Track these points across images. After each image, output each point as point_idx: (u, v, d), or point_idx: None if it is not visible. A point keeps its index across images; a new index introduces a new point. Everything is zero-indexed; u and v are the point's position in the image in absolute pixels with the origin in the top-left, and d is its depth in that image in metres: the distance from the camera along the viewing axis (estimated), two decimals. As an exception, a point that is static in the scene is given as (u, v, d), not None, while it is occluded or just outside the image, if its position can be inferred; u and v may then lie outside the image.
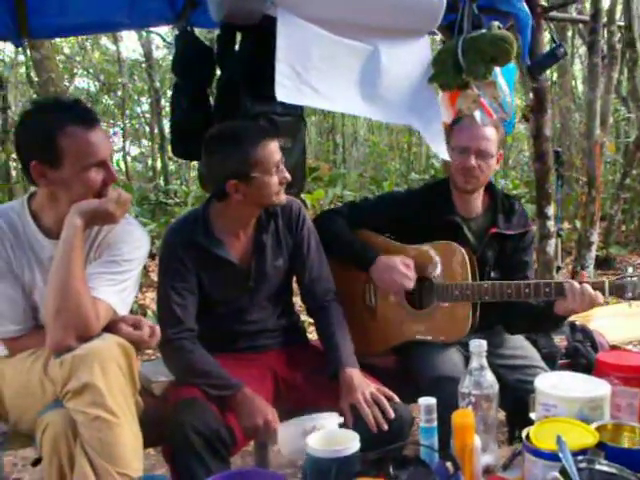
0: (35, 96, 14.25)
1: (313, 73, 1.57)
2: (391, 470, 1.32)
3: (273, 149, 2.19)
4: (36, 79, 13.35)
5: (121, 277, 1.98)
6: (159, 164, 14.13)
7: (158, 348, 2.18)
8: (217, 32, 3.17)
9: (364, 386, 2.12)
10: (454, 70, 2.22)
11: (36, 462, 2.14)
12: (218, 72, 3.18)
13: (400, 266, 2.43)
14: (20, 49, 14.24)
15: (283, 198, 2.26)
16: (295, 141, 3.08)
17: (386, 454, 1.38)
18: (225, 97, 3.01)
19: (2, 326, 2.01)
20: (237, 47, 3.11)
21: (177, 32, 3.40)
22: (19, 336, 2.03)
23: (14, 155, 14.50)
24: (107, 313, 1.90)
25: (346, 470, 1.34)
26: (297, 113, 3.12)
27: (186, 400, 2.04)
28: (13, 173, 14.53)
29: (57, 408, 1.79)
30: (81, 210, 1.89)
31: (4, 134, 13.93)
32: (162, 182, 12.57)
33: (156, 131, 14.24)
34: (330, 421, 1.86)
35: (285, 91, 1.54)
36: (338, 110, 1.82)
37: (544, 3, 4.05)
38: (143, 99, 16.11)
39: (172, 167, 14.66)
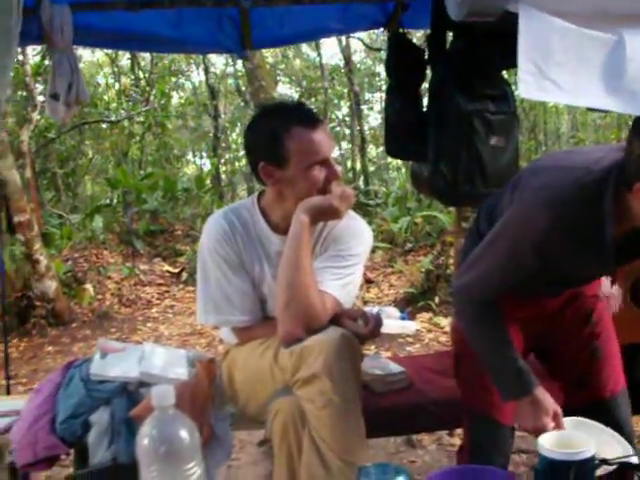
0: (243, 104, 15.16)
1: (554, 67, 1.51)
2: (637, 480, 1.25)
3: None
4: (243, 88, 14.21)
5: (346, 271, 2.03)
6: (358, 166, 14.43)
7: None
8: (427, 32, 3.18)
9: None
10: None
11: (262, 443, 2.28)
12: (429, 72, 3.19)
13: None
14: (229, 62, 15.23)
15: None
16: (508, 140, 3.02)
17: (627, 462, 1.30)
18: (438, 96, 3.01)
19: (233, 316, 2.11)
20: (448, 47, 3.11)
21: (388, 35, 3.44)
22: (248, 326, 2.12)
23: (224, 160, 15.52)
24: (333, 306, 1.96)
25: (584, 475, 1.29)
26: (510, 111, 3.04)
27: (481, 419, 1.92)
28: (223, 177, 15.51)
29: (287, 395, 1.86)
30: (307, 207, 1.96)
31: (215, 139, 14.94)
32: (362, 183, 12.81)
33: (356, 133, 14.56)
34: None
35: (527, 87, 1.50)
36: (580, 104, 1.73)
37: None
38: (342, 103, 16.54)
39: (371, 168, 14.91)
